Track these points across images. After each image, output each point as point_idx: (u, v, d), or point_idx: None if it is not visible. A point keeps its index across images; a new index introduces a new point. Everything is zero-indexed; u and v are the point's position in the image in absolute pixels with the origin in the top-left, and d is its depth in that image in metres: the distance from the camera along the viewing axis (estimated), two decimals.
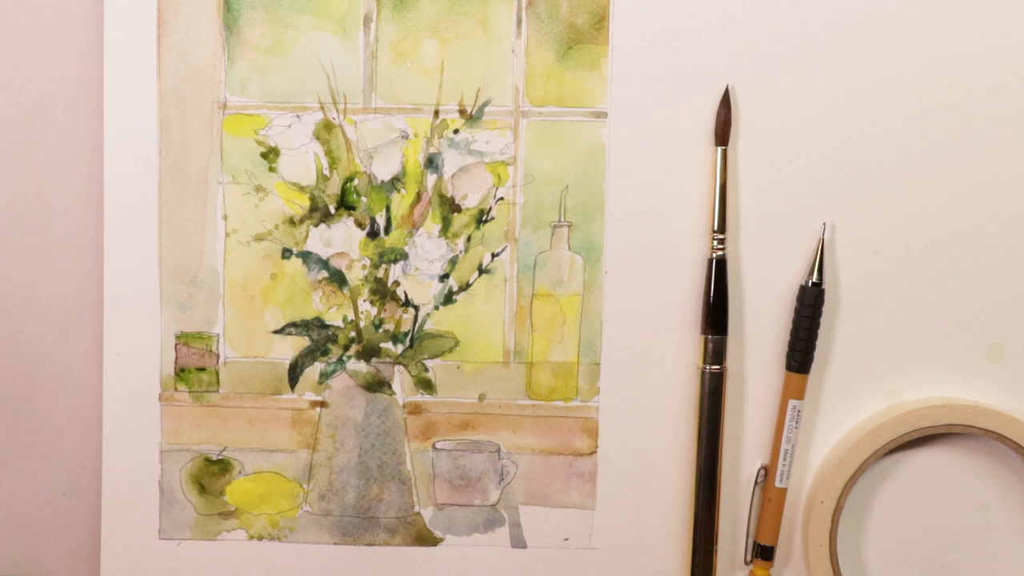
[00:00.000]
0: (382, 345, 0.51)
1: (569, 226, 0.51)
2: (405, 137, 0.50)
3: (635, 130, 0.50)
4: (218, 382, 0.51)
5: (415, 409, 0.52)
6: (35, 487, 0.53)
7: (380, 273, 0.51)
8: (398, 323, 0.51)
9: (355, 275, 0.51)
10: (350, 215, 0.51)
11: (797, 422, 0.50)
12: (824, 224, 0.50)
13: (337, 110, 0.50)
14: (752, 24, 0.49)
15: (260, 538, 0.52)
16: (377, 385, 0.51)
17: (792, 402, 0.50)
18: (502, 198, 0.51)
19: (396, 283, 0.51)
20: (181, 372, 0.51)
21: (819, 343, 0.50)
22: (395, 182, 0.51)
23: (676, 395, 0.51)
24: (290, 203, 0.51)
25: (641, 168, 0.50)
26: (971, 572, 0.52)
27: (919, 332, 0.50)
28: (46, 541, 0.54)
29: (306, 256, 0.51)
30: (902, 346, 0.50)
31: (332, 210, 0.51)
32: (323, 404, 0.52)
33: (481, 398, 0.51)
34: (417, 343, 0.51)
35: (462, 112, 0.50)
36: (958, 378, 0.51)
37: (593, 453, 0.51)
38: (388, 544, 0.52)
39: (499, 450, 0.52)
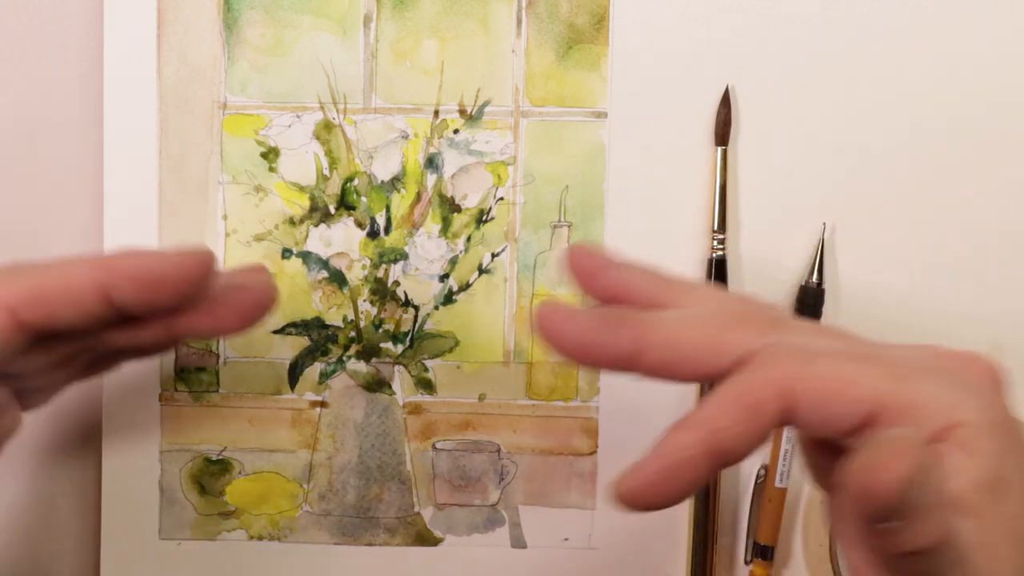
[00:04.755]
0: (382, 345, 0.51)
1: (569, 226, 0.51)
2: (405, 137, 0.50)
3: (635, 130, 0.50)
4: (218, 382, 0.51)
5: (415, 409, 0.52)
6: (35, 487, 0.53)
7: (380, 273, 0.51)
8: (398, 323, 0.51)
9: (355, 275, 0.51)
10: (350, 215, 0.51)
11: None
12: (824, 224, 0.50)
13: (337, 110, 0.50)
14: (752, 24, 0.49)
15: (260, 538, 0.52)
16: (377, 385, 0.51)
17: None
18: (502, 198, 0.51)
19: (396, 283, 0.51)
20: (181, 372, 0.51)
21: None
22: (395, 182, 0.51)
23: (676, 395, 0.51)
24: (290, 203, 0.51)
25: (641, 168, 0.50)
26: None
27: (919, 332, 0.50)
28: (46, 541, 0.54)
29: (306, 256, 0.51)
30: None
31: (332, 210, 0.51)
32: (323, 404, 0.52)
33: (481, 398, 0.51)
34: (417, 343, 0.51)
35: (462, 112, 0.50)
36: None
37: (593, 453, 0.51)
38: (388, 544, 0.52)
39: (499, 450, 0.52)
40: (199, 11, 0.50)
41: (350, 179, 0.51)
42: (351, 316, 0.51)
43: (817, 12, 0.49)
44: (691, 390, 0.51)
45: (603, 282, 0.34)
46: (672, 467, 0.30)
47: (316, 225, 0.51)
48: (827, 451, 0.32)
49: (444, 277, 0.51)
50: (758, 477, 0.51)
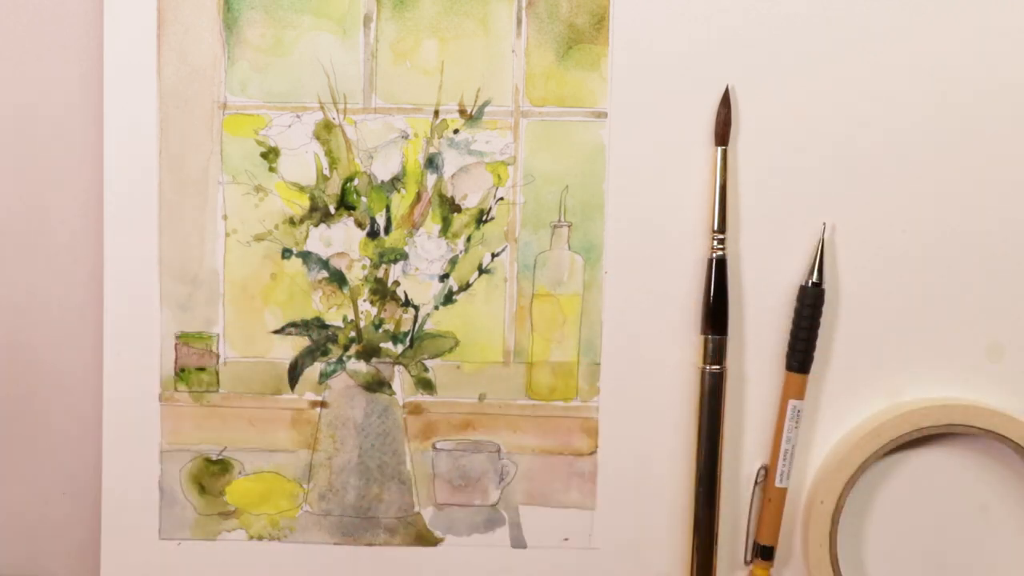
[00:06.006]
0: (382, 345, 0.51)
1: (569, 226, 0.51)
2: (405, 137, 0.50)
3: (635, 130, 0.50)
4: (218, 382, 0.51)
5: (415, 409, 0.52)
6: (35, 487, 0.53)
7: (380, 273, 0.51)
8: (398, 323, 0.51)
9: (355, 275, 0.51)
10: (350, 215, 0.51)
11: (797, 422, 0.50)
12: (824, 224, 0.50)
13: (337, 110, 0.50)
14: (752, 24, 0.49)
15: (260, 538, 0.52)
16: (377, 385, 0.51)
17: (792, 402, 0.50)
18: (502, 198, 0.51)
19: (396, 283, 0.51)
20: (181, 372, 0.51)
21: (819, 343, 0.50)
22: (395, 182, 0.51)
23: (676, 395, 0.51)
24: (290, 203, 0.51)
25: (641, 168, 0.50)
26: (971, 572, 0.52)
27: (919, 332, 0.50)
28: (46, 541, 0.54)
29: (306, 256, 0.51)
30: (902, 346, 0.50)
31: (332, 210, 0.51)
32: (323, 404, 0.52)
33: (481, 398, 0.51)
34: (417, 343, 0.51)
35: (462, 112, 0.50)
36: (958, 378, 0.51)
37: (593, 453, 0.51)
38: (388, 544, 0.52)
39: (499, 450, 0.52)
40: (199, 11, 0.50)
41: (350, 179, 0.51)
42: (351, 316, 0.51)
43: (817, 12, 0.49)
44: (690, 391, 0.51)
45: None
46: None
47: (316, 225, 0.51)
48: None
49: (444, 277, 0.51)
50: (758, 477, 0.51)
